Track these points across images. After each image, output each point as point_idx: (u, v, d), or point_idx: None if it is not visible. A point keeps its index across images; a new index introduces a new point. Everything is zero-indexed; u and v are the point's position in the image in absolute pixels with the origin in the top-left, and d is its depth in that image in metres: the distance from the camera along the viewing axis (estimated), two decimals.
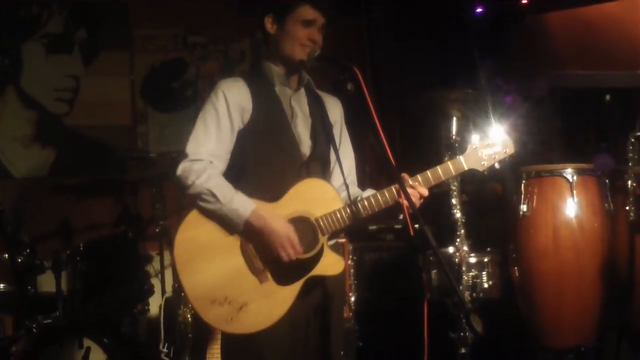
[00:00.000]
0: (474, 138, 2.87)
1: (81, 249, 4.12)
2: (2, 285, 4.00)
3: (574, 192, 3.86)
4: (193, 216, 2.76)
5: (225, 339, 2.89)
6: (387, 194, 2.75)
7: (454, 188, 3.90)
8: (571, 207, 3.87)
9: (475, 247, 3.97)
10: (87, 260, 4.10)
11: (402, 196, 2.58)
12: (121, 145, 5.29)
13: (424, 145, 4.64)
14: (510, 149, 2.86)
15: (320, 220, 2.75)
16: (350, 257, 4.11)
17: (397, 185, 2.67)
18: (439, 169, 2.80)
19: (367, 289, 4.24)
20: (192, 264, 2.72)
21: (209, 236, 2.74)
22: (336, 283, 2.86)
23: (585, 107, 4.89)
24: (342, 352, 3.03)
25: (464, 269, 3.87)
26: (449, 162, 2.82)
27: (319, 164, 2.90)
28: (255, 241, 2.73)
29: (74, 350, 3.87)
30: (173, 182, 2.80)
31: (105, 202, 5.16)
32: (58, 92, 5.31)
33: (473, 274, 3.89)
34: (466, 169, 2.83)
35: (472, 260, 3.93)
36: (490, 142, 2.84)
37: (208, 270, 2.72)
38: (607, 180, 3.93)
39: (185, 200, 2.79)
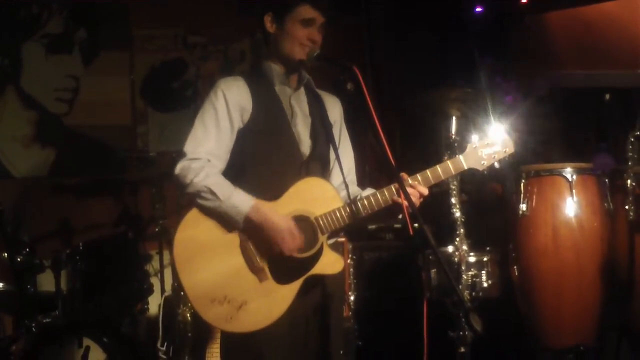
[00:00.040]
0: (474, 137, 2.88)
1: (81, 248, 4.12)
2: (1, 284, 3.99)
3: (574, 191, 3.86)
4: (192, 215, 2.76)
5: (224, 338, 2.89)
6: (386, 193, 2.75)
7: (453, 187, 3.90)
8: (571, 207, 3.87)
9: (475, 247, 3.97)
10: (86, 260, 4.10)
11: (402, 195, 2.58)
12: (121, 145, 5.29)
13: (424, 144, 4.64)
14: (509, 149, 2.86)
15: (319, 219, 2.75)
16: (350, 256, 4.12)
17: (396, 185, 2.67)
18: (438, 168, 2.80)
19: (366, 288, 4.24)
20: (192, 263, 2.72)
21: (208, 235, 2.74)
22: (336, 282, 2.86)
23: (584, 106, 4.90)
24: (341, 351, 3.03)
25: (463, 268, 3.87)
26: (448, 162, 2.82)
27: (318, 164, 2.90)
28: (255, 237, 2.73)
29: (74, 350, 3.87)
30: (172, 182, 2.81)
31: (105, 201, 5.16)
32: (58, 92, 5.31)
33: (472, 273, 3.89)
34: (466, 168, 2.83)
35: (472, 259, 3.93)
36: (489, 141, 2.84)
37: (207, 269, 2.72)
38: (606, 180, 3.94)
39: (185, 199, 2.79)
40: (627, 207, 3.70)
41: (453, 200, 3.91)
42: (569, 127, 4.92)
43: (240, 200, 2.70)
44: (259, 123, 2.83)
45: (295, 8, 2.80)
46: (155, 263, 4.66)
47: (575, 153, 4.48)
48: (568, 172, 3.90)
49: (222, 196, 2.70)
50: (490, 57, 5.11)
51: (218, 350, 3.12)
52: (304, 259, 2.73)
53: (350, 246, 4.11)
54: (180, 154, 2.78)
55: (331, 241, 2.84)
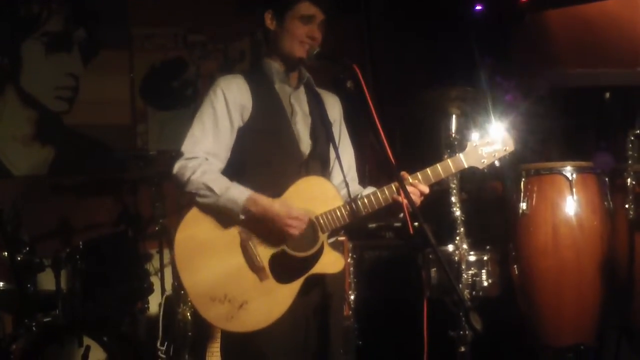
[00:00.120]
0: (474, 136, 2.88)
1: (81, 247, 4.12)
2: (1, 283, 3.99)
3: (574, 190, 3.86)
4: (192, 215, 2.76)
5: (225, 337, 2.89)
6: (387, 192, 2.75)
7: (453, 186, 3.90)
8: (571, 205, 3.87)
9: (475, 246, 3.97)
10: (86, 259, 4.09)
11: (402, 194, 2.58)
12: (121, 144, 5.29)
13: (424, 143, 4.63)
14: (510, 147, 2.86)
15: (320, 218, 2.75)
16: (350, 255, 4.12)
17: (396, 183, 2.67)
18: (438, 166, 2.79)
19: (366, 287, 4.24)
20: (192, 262, 2.72)
21: (208, 234, 2.74)
22: (336, 281, 2.86)
23: (585, 105, 4.90)
24: (341, 351, 3.03)
25: (463, 267, 3.87)
26: (449, 160, 2.82)
27: (318, 162, 2.90)
28: (259, 230, 2.73)
29: (74, 349, 3.87)
30: (172, 181, 2.81)
31: (105, 200, 5.16)
32: (58, 90, 5.31)
33: (472, 272, 3.89)
34: (466, 166, 2.83)
35: (472, 258, 3.93)
36: (490, 139, 2.84)
37: (208, 268, 2.72)
38: (606, 179, 3.94)
39: (184, 198, 2.79)
40: (627, 205, 3.70)
41: (453, 199, 3.91)
42: (569, 126, 4.91)
43: (238, 192, 2.70)
44: (259, 121, 2.82)
45: (295, 5, 2.80)
46: (155, 262, 4.66)
47: (575, 152, 4.47)
48: (568, 170, 3.90)
49: (219, 190, 2.69)
50: (490, 56, 5.10)
51: (218, 349, 3.12)
52: (304, 258, 2.73)
53: (351, 245, 4.11)
54: (179, 154, 2.78)
55: (331, 240, 2.84)
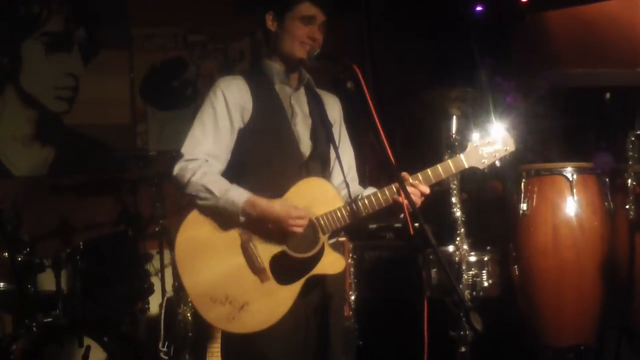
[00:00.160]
0: (475, 136, 2.87)
1: (81, 247, 4.11)
2: (2, 284, 4.01)
3: (574, 190, 3.86)
4: (193, 216, 2.76)
5: (225, 337, 2.89)
6: (387, 192, 2.74)
7: (453, 187, 3.90)
8: (571, 206, 3.87)
9: (475, 246, 3.97)
10: (87, 259, 4.09)
11: (402, 195, 2.58)
12: (121, 144, 5.29)
13: (424, 143, 4.63)
14: (510, 147, 2.85)
15: (320, 219, 2.75)
16: (351, 255, 4.11)
17: (397, 184, 2.67)
18: (439, 167, 2.79)
19: (367, 288, 4.24)
20: (193, 264, 2.72)
21: (209, 236, 2.74)
22: (336, 282, 2.86)
23: (585, 105, 4.90)
24: (342, 351, 3.03)
25: (463, 267, 3.86)
26: (449, 160, 2.81)
27: (318, 163, 2.90)
28: (258, 231, 2.72)
29: (74, 349, 3.87)
30: (172, 182, 2.80)
31: (105, 200, 5.15)
32: (58, 90, 5.31)
33: (473, 272, 3.89)
34: (467, 167, 2.82)
35: (472, 258, 3.92)
36: (490, 139, 2.83)
37: (209, 269, 2.72)
38: (607, 179, 3.94)
39: (184, 199, 2.79)
40: (627, 206, 3.70)
41: (453, 199, 3.91)
42: (569, 126, 4.91)
43: (237, 194, 2.70)
44: (259, 122, 2.82)
45: (295, 5, 2.80)
46: (155, 262, 4.66)
47: (575, 152, 4.48)
48: (568, 171, 3.90)
49: (218, 193, 2.69)
50: (490, 56, 5.11)
51: (219, 349, 3.12)
52: (305, 259, 2.73)
53: (351, 246, 4.11)
54: (179, 155, 2.78)
55: (332, 241, 2.83)
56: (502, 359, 4.20)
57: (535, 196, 3.94)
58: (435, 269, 3.92)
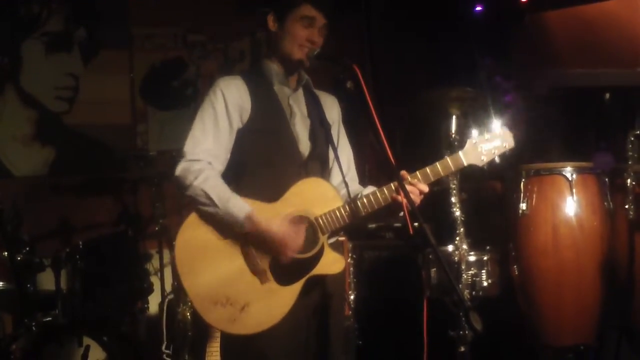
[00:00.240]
0: (473, 132, 2.85)
1: (81, 247, 4.12)
2: (1, 283, 4.00)
3: (574, 190, 3.86)
4: (193, 217, 2.76)
5: (225, 338, 2.89)
6: (386, 192, 2.74)
7: (453, 186, 3.90)
8: (571, 206, 3.87)
9: (475, 246, 3.97)
10: (86, 259, 4.10)
11: (401, 194, 2.58)
12: (121, 144, 5.29)
13: (424, 143, 4.63)
14: (510, 143, 2.83)
15: (320, 219, 2.75)
16: (350, 255, 4.11)
17: (396, 183, 2.67)
18: (438, 165, 2.78)
19: (366, 287, 4.24)
20: (193, 265, 2.72)
21: (209, 237, 2.73)
22: (336, 282, 2.86)
23: (584, 105, 4.90)
24: (342, 351, 3.03)
25: (463, 267, 3.86)
26: (448, 158, 2.79)
27: (317, 163, 2.90)
28: (255, 243, 2.73)
29: (74, 349, 3.87)
30: (172, 182, 2.80)
31: (105, 200, 5.15)
32: (58, 90, 5.31)
33: (472, 272, 3.88)
34: (465, 164, 2.80)
35: (472, 258, 3.92)
36: (489, 136, 2.82)
37: (209, 271, 2.71)
38: (606, 179, 3.94)
39: (185, 200, 2.79)
40: (627, 206, 3.70)
41: (453, 199, 3.91)
42: (568, 126, 4.91)
43: (237, 209, 2.69)
44: (258, 122, 2.82)
45: (296, 7, 2.81)
46: (155, 262, 4.66)
47: (575, 152, 4.47)
48: (568, 171, 3.90)
49: (219, 202, 2.69)
50: (490, 56, 5.11)
51: (217, 349, 3.12)
52: (305, 259, 2.73)
53: (351, 245, 4.11)
54: (180, 154, 2.78)
55: (331, 241, 2.83)
56: (502, 358, 4.20)
57: (535, 196, 3.94)
58: (435, 269, 3.92)
